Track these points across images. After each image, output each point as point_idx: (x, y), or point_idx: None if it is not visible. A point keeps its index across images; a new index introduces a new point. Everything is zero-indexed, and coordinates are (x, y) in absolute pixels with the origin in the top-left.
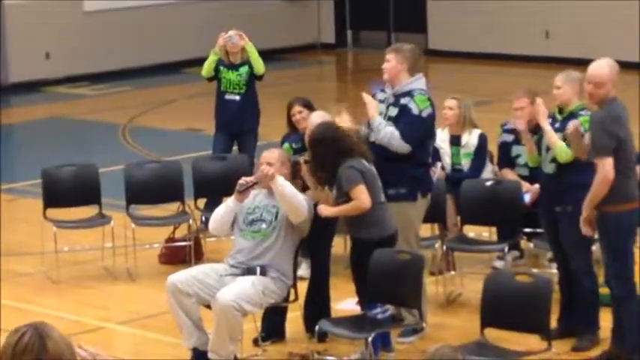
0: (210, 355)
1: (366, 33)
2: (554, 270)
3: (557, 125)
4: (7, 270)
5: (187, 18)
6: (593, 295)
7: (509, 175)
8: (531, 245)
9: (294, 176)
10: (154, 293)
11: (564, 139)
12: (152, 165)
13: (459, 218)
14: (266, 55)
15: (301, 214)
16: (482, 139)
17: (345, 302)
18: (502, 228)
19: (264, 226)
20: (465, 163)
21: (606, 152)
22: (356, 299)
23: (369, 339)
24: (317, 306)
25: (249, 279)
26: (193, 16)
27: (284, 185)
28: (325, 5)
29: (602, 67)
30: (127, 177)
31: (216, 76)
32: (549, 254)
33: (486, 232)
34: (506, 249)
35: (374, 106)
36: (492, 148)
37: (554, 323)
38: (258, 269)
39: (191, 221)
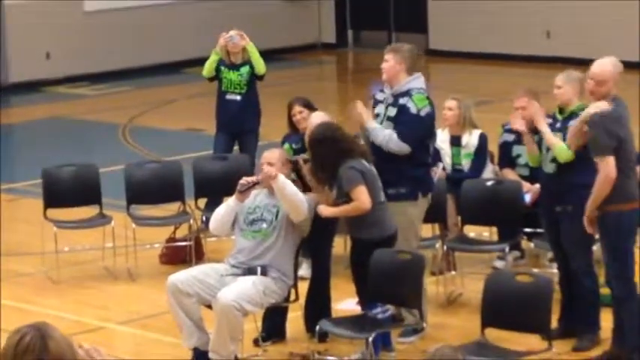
0: (210, 355)
1: (366, 33)
2: (554, 270)
3: (558, 125)
4: (7, 270)
5: (187, 18)
6: (593, 295)
7: (510, 175)
8: (532, 245)
9: (297, 176)
10: (154, 293)
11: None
12: (152, 165)
13: (459, 218)
14: (267, 55)
15: (301, 212)
16: (483, 139)
17: (345, 302)
18: (503, 228)
19: (264, 225)
20: (466, 164)
21: (607, 151)
22: (356, 299)
23: (370, 339)
24: (317, 306)
25: (249, 279)
26: (194, 16)
27: (285, 183)
28: (326, 5)
29: (605, 65)
30: (128, 177)
31: (217, 76)
32: (550, 254)
33: (487, 232)
34: (506, 249)
35: (367, 113)
36: (493, 148)
37: (554, 323)
38: (258, 269)
39: (192, 221)
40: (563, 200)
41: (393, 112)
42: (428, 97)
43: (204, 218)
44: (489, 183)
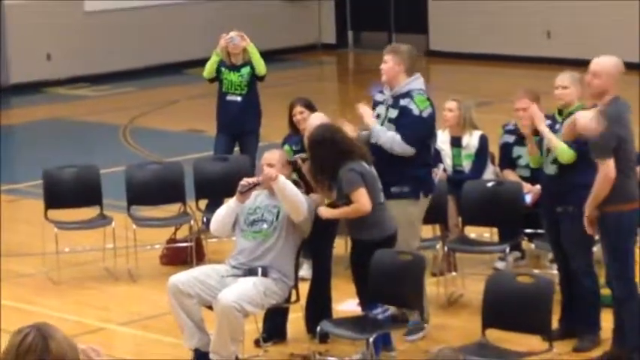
0: (211, 355)
1: (366, 34)
2: (555, 271)
3: (557, 127)
4: (8, 271)
5: (188, 19)
6: (594, 295)
7: (511, 176)
8: (532, 246)
9: (299, 176)
10: (155, 294)
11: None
12: (153, 166)
13: (460, 219)
14: (267, 55)
15: (301, 212)
16: (483, 140)
17: (346, 303)
18: (503, 229)
19: (265, 226)
20: (466, 165)
21: (607, 153)
22: (357, 300)
23: (371, 340)
24: (318, 307)
25: (250, 280)
26: (194, 17)
27: (285, 184)
28: (326, 6)
29: (602, 59)
30: (128, 178)
31: (217, 77)
32: (550, 255)
33: (487, 233)
34: (507, 250)
35: (370, 114)
36: (493, 149)
37: (555, 324)
38: (259, 270)
39: (192, 222)
40: (564, 201)
41: (394, 113)
42: (428, 98)
43: (204, 219)
44: (490, 184)
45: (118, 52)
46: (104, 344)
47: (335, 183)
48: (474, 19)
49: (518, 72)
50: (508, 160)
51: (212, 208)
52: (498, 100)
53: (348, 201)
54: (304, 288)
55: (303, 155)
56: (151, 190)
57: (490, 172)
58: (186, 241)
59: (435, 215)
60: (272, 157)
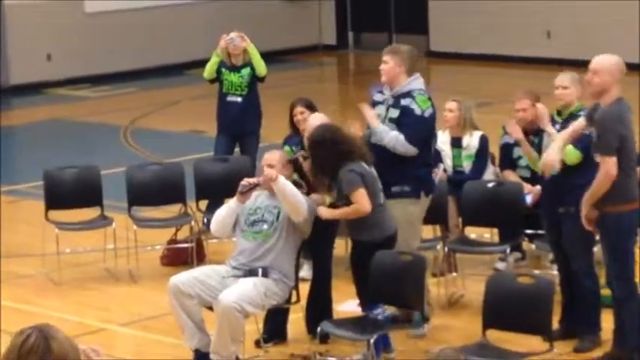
0: (212, 356)
1: (367, 34)
2: (555, 271)
3: (557, 127)
4: (8, 271)
5: (189, 19)
6: (594, 296)
7: (511, 176)
8: (533, 246)
9: (300, 176)
10: (155, 295)
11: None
12: (154, 167)
13: (460, 220)
14: (267, 56)
15: (301, 213)
16: (484, 140)
17: (346, 304)
18: (504, 229)
19: (265, 226)
20: (467, 165)
21: (611, 151)
22: (357, 301)
23: (371, 340)
24: (319, 307)
25: (250, 280)
26: (195, 18)
27: (285, 185)
28: (326, 6)
29: (602, 57)
30: (129, 179)
31: (218, 78)
32: (551, 255)
33: (488, 234)
34: (507, 250)
35: (373, 115)
36: (494, 149)
37: (555, 324)
38: (259, 271)
39: (193, 223)
40: (566, 201)
41: (395, 113)
42: (429, 98)
43: (205, 220)
44: (490, 184)
45: (118, 52)
46: (105, 345)
47: (335, 183)
48: (474, 20)
49: (518, 72)
50: (508, 161)
51: (212, 208)
52: (498, 100)
53: (347, 202)
54: (305, 289)
55: (304, 152)
56: (152, 190)
57: (490, 173)
58: (186, 242)
59: (435, 216)
60: (272, 158)
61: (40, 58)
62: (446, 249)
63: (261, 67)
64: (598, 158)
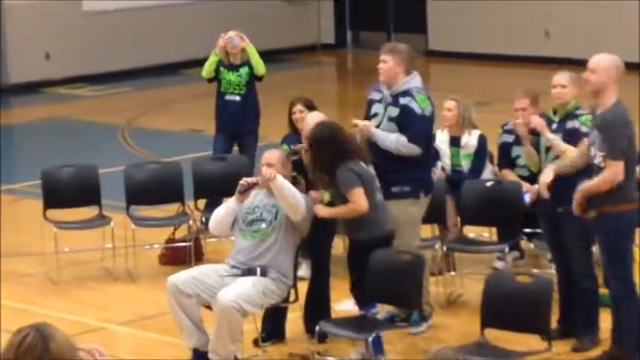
0: (210, 355)
1: (365, 34)
2: (554, 270)
3: (554, 126)
4: (7, 271)
5: (187, 19)
6: (593, 295)
7: (509, 175)
8: (531, 245)
9: (300, 172)
10: (154, 294)
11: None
12: (152, 166)
13: (458, 219)
14: (266, 55)
15: (300, 212)
16: (482, 139)
17: (344, 303)
18: (502, 228)
19: (263, 225)
20: (465, 164)
21: (620, 156)
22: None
23: (370, 339)
24: (317, 306)
25: (249, 279)
26: (193, 17)
27: (283, 184)
28: (325, 6)
29: (599, 56)
30: (127, 178)
31: (216, 77)
32: (549, 254)
33: (486, 233)
34: (506, 249)
35: (370, 123)
36: (492, 148)
37: (554, 323)
38: (258, 270)
39: (191, 222)
40: (565, 201)
41: (394, 112)
42: (428, 97)
43: (203, 219)
44: (489, 183)
45: (116, 52)
46: (104, 344)
47: (333, 181)
48: (472, 19)
49: (516, 71)
50: (507, 160)
51: (211, 207)
52: (497, 99)
53: (345, 200)
54: (303, 288)
55: (305, 146)
56: (150, 189)
57: (489, 172)
58: (185, 241)
59: (433, 215)
60: (271, 157)
61: (39, 57)
62: (444, 248)
63: (259, 66)
64: (598, 159)
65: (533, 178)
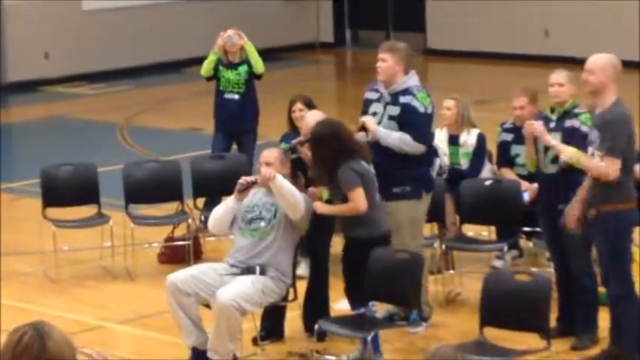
0: (209, 354)
1: (364, 32)
2: (553, 269)
3: (552, 125)
4: (6, 269)
5: (186, 17)
6: (592, 294)
7: (508, 174)
8: (530, 244)
9: (299, 169)
10: (153, 292)
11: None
12: (151, 164)
13: (457, 217)
14: (265, 54)
15: (299, 210)
16: (481, 138)
17: (342, 302)
18: (501, 227)
19: (262, 224)
20: (464, 163)
21: (619, 153)
22: None
23: (368, 338)
24: (316, 305)
25: (248, 278)
26: (192, 16)
27: (282, 183)
28: (324, 4)
29: (596, 56)
30: (126, 176)
31: (215, 76)
32: (548, 253)
33: (485, 232)
34: (505, 248)
35: (373, 121)
36: (491, 147)
37: (553, 322)
38: (257, 268)
39: (190, 220)
40: (566, 200)
41: (395, 110)
42: (428, 94)
43: (202, 218)
44: (488, 182)
45: (115, 50)
46: (103, 342)
47: (334, 179)
48: (471, 18)
49: (515, 70)
50: (506, 159)
51: (210, 206)
52: (496, 98)
53: (344, 199)
54: (302, 286)
55: (302, 138)
56: (149, 188)
57: (488, 171)
58: (184, 240)
59: (432, 213)
60: (270, 156)
61: (38, 56)
62: (443, 247)
63: (258, 65)
64: (598, 158)
65: (532, 177)
